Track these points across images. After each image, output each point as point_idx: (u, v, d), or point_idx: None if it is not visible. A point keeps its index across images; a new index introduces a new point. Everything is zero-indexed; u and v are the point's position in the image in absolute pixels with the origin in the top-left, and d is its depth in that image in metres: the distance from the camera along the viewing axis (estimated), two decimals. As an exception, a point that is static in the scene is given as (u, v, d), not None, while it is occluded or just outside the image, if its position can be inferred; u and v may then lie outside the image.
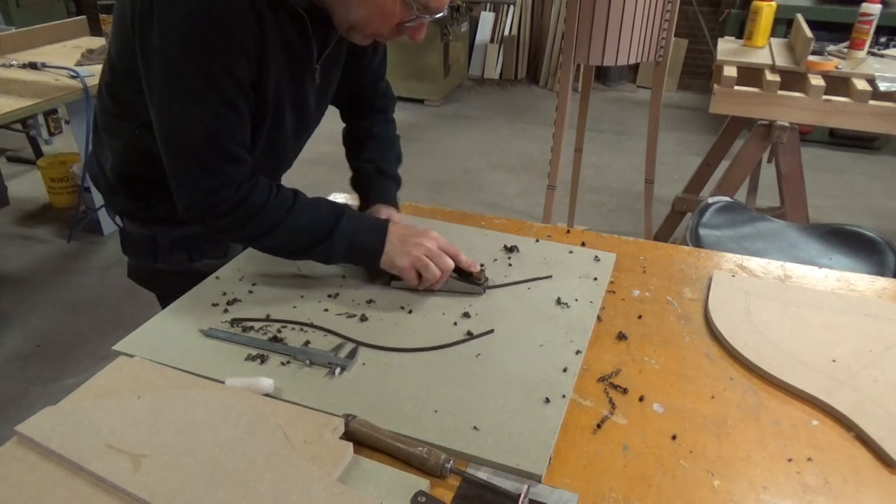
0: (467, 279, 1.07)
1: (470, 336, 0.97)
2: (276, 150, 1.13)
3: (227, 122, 0.95)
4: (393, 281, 1.09)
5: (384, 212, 1.18)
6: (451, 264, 1.05)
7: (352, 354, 0.92)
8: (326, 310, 1.02)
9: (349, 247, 1.03)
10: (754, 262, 1.20)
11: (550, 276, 1.12)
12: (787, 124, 2.24)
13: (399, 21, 0.95)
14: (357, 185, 1.27)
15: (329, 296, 1.06)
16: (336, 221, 1.02)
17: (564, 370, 0.89)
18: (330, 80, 1.15)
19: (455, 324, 1.00)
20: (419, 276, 1.04)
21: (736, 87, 2.23)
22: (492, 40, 5.77)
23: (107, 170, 1.15)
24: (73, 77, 2.41)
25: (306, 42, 1.01)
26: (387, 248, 1.04)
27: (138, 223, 1.18)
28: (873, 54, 2.43)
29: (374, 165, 1.25)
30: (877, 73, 2.19)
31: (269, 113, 1.03)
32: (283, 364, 0.90)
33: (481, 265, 1.10)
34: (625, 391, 0.88)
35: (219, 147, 0.95)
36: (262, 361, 0.91)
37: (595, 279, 1.12)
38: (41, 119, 3.57)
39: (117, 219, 1.21)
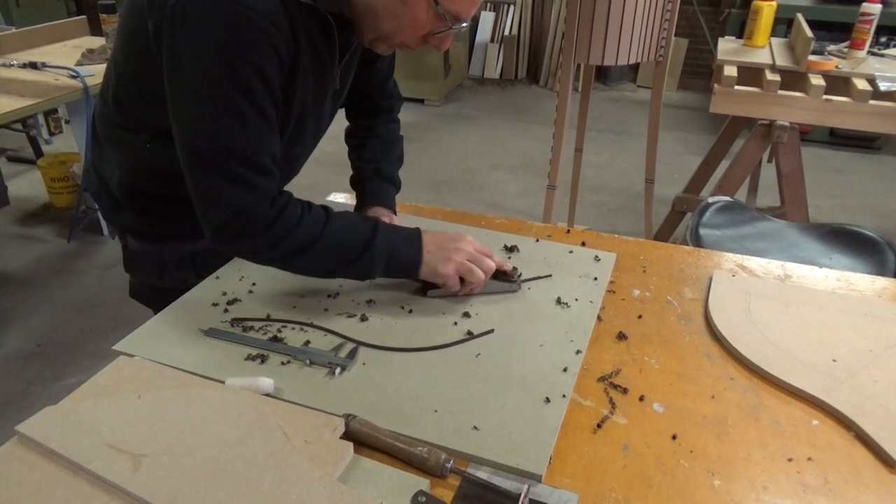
0: (503, 277, 1.07)
1: (470, 336, 0.97)
2: (292, 157, 1.12)
3: (259, 132, 0.91)
4: (430, 290, 1.06)
5: (377, 213, 1.17)
6: (493, 265, 1.04)
7: (352, 354, 0.92)
8: (326, 309, 1.02)
9: (388, 260, 1.00)
10: (754, 262, 1.20)
11: (550, 276, 1.12)
12: (787, 124, 2.24)
13: (428, 32, 0.95)
14: (355, 184, 1.26)
15: (329, 296, 1.06)
16: (373, 234, 0.99)
17: (564, 370, 0.89)
18: (345, 86, 1.14)
19: (455, 324, 1.00)
20: (461, 280, 1.03)
21: (736, 87, 2.23)
22: (492, 40, 5.77)
23: (111, 185, 1.11)
24: (73, 77, 2.41)
25: (331, 46, 0.99)
26: (425, 256, 1.01)
27: (144, 240, 1.15)
28: (873, 54, 2.43)
29: (372, 166, 1.24)
30: (877, 73, 2.19)
31: (292, 118, 1.01)
32: (283, 364, 0.90)
33: (512, 264, 1.10)
34: (625, 391, 0.88)
35: (251, 159, 0.91)
36: (263, 361, 0.91)
37: (595, 279, 1.12)
38: (41, 119, 3.57)
39: (118, 236, 1.18)
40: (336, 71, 1.04)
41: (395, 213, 1.22)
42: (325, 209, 1.00)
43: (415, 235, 1.03)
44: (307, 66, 0.96)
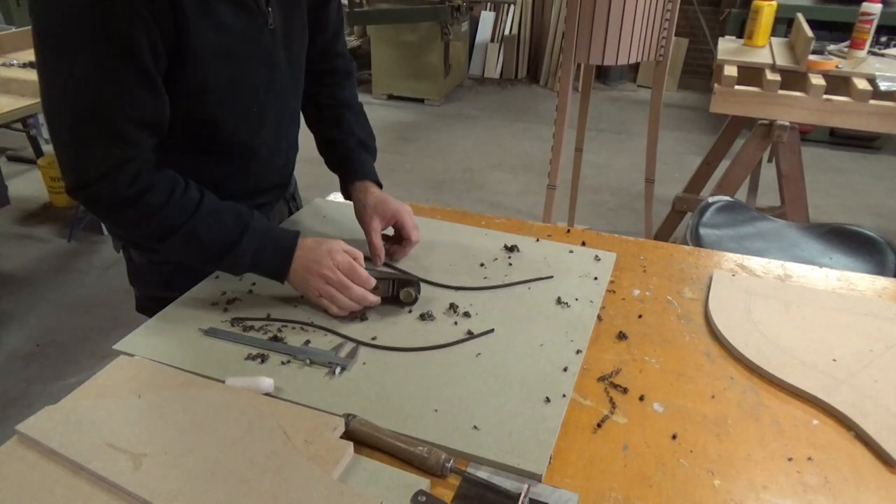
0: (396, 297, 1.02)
1: (470, 335, 0.96)
2: (253, 111, 1.04)
3: (114, 93, 0.84)
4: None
5: (368, 189, 1.15)
6: (360, 293, 0.98)
7: (352, 354, 0.92)
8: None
9: (253, 266, 0.99)
10: (754, 262, 1.20)
11: (552, 277, 1.12)
12: (787, 124, 2.24)
13: None
14: (336, 158, 1.22)
15: (329, 295, 1.06)
16: (240, 237, 0.96)
17: (565, 369, 0.89)
18: (292, 26, 1.06)
19: (455, 323, 1.00)
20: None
21: (736, 87, 2.23)
22: (492, 40, 5.77)
23: None
24: (73, 76, 2.41)
25: None
26: (291, 275, 0.99)
27: (147, 252, 1.13)
28: (874, 54, 2.43)
29: (354, 139, 1.20)
30: (877, 73, 2.19)
31: (214, 70, 0.94)
32: (283, 363, 0.90)
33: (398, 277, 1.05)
34: (625, 391, 0.88)
35: (104, 123, 0.85)
36: (263, 361, 0.90)
37: (595, 279, 1.12)
38: (41, 118, 3.57)
39: (122, 250, 1.16)
40: (266, 9, 0.98)
41: (380, 186, 1.19)
42: (199, 198, 0.95)
43: (286, 249, 0.99)
44: (208, 10, 0.89)
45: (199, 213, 0.94)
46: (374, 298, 1.00)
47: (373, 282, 1.00)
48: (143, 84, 0.87)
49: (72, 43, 0.81)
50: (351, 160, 1.20)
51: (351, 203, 1.19)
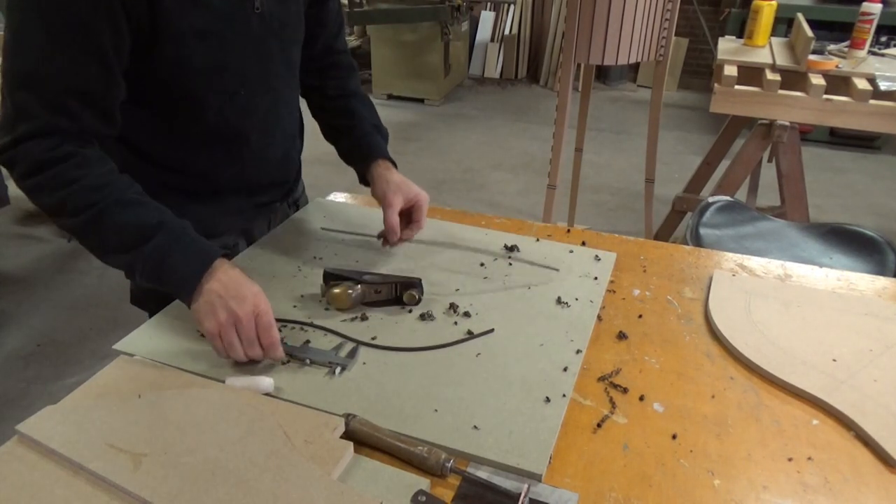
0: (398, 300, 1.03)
1: (470, 335, 0.96)
2: (240, 94, 1.03)
3: (58, 62, 0.83)
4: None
5: (396, 171, 1.15)
6: (258, 352, 0.87)
7: (352, 354, 0.92)
8: (327, 309, 1.02)
9: (156, 269, 0.88)
10: (755, 262, 1.20)
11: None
12: (787, 123, 2.24)
13: None
14: (351, 141, 1.21)
15: (329, 295, 1.06)
16: (149, 238, 0.87)
17: (565, 369, 0.89)
18: (285, 15, 1.05)
19: (455, 323, 1.00)
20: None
21: (736, 87, 2.22)
22: (492, 39, 5.77)
23: None
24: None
25: None
26: (199, 296, 0.87)
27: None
28: (874, 53, 2.43)
29: (369, 123, 1.22)
30: (877, 73, 2.19)
31: (193, 49, 0.93)
32: (283, 364, 0.90)
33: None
34: (625, 390, 0.88)
35: (39, 89, 0.84)
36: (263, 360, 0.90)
37: (595, 278, 1.12)
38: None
39: None
40: None
41: (396, 166, 1.20)
42: (125, 189, 0.90)
43: (205, 260, 0.89)
44: None
45: (116, 200, 0.88)
46: (275, 356, 0.89)
47: (279, 352, 0.88)
48: (93, 59, 0.85)
49: (31, 7, 0.81)
50: (369, 142, 1.20)
51: (350, 203, 1.20)
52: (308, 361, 0.90)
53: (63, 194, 0.87)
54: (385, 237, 1.14)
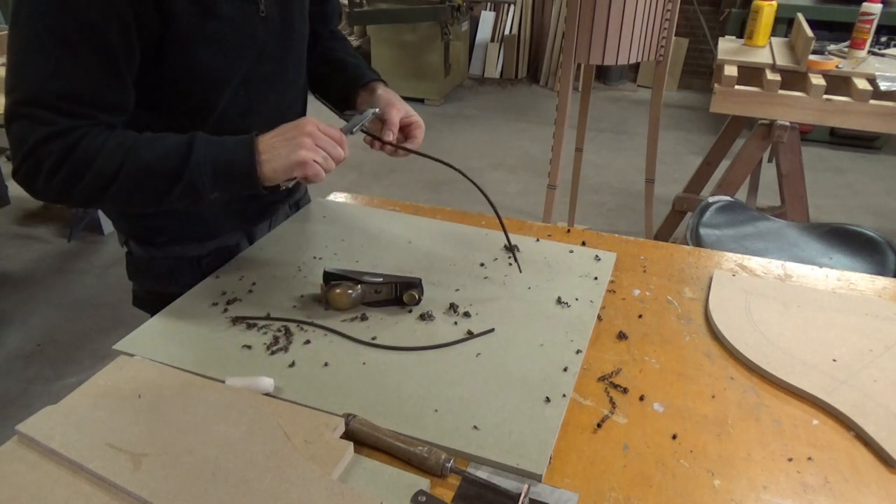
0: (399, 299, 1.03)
1: (470, 335, 0.96)
2: (240, 95, 1.04)
3: (69, 73, 0.84)
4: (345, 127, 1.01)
5: (379, 88, 1.15)
6: (342, 154, 0.95)
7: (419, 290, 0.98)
8: (327, 309, 1.02)
9: (215, 174, 0.90)
10: (755, 262, 1.20)
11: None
12: (787, 124, 2.24)
13: None
14: (343, 76, 1.20)
15: (329, 295, 1.06)
16: (189, 149, 0.89)
17: (565, 369, 0.89)
18: (290, 16, 1.05)
19: (455, 323, 1.00)
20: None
21: (737, 87, 2.23)
22: (492, 39, 5.77)
23: None
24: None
25: None
26: (261, 157, 0.90)
27: (146, 246, 1.13)
28: (874, 54, 2.43)
29: (355, 60, 1.23)
30: (877, 73, 2.19)
31: (202, 54, 0.94)
32: (289, 366, 0.90)
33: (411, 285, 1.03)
34: (625, 391, 0.88)
35: (50, 101, 0.85)
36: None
37: (595, 278, 1.12)
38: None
39: (124, 243, 1.16)
40: None
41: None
42: (136, 134, 0.91)
43: (246, 138, 0.92)
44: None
45: (138, 142, 0.89)
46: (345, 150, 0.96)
47: (346, 146, 0.95)
48: (105, 70, 0.86)
49: (40, 20, 0.81)
50: (361, 71, 1.20)
51: (350, 203, 1.19)
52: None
53: (98, 165, 0.87)
54: (375, 137, 1.11)
